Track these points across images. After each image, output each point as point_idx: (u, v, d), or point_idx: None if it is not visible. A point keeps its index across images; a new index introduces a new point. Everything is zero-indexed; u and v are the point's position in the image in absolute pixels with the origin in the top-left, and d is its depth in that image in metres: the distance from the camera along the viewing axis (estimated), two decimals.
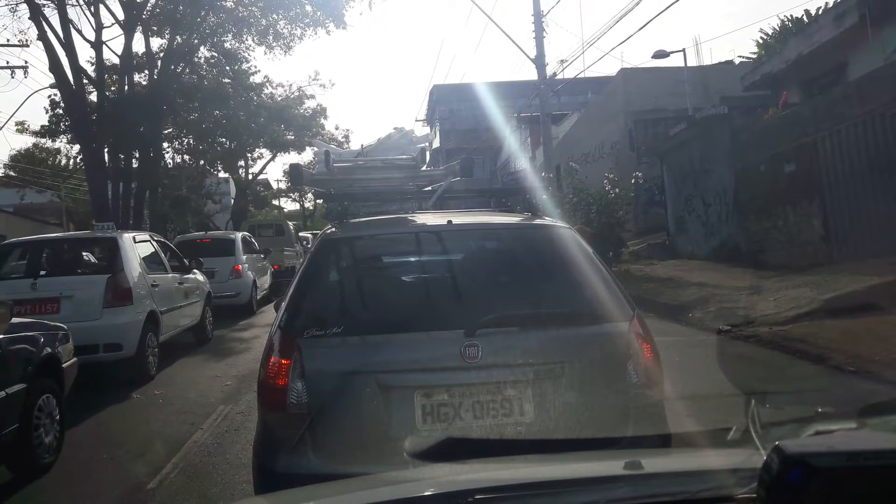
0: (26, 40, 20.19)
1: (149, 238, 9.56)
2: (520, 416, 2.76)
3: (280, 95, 29.06)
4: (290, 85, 33.62)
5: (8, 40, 22.66)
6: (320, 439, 2.71)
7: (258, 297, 14.96)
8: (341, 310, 3.11)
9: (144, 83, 21.04)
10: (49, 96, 20.37)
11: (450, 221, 3.38)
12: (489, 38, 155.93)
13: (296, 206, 56.07)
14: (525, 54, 19.07)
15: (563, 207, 15.51)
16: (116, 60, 19.82)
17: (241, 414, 6.13)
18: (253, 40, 20.57)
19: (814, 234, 11.64)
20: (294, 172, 5.69)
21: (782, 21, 21.37)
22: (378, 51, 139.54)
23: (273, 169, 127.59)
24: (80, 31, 18.58)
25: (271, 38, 20.05)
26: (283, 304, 3.12)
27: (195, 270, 10.38)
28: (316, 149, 6.84)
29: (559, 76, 20.05)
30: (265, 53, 20.81)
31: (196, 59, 21.01)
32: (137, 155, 19.29)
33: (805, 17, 19.07)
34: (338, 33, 44.68)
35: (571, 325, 3.00)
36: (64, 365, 5.50)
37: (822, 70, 14.65)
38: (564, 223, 3.67)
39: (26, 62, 36.09)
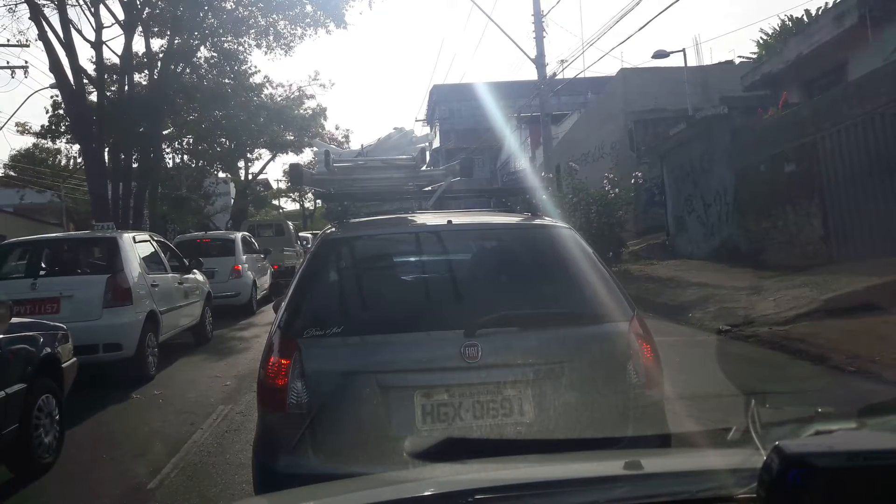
0: (26, 40, 20.23)
1: (149, 238, 9.56)
2: (520, 416, 2.76)
3: (280, 96, 29.11)
4: (290, 85, 33.63)
5: (8, 40, 22.67)
6: (320, 439, 2.71)
7: (258, 297, 14.97)
8: (341, 310, 3.11)
9: (144, 83, 21.04)
10: (52, 97, 20.44)
11: (450, 221, 3.38)
12: (489, 38, 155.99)
13: (296, 206, 56.16)
14: (525, 54, 19.11)
15: (563, 207, 15.51)
16: (116, 60, 19.83)
17: (241, 414, 6.13)
18: (253, 41, 20.59)
19: (814, 234, 11.64)
20: (294, 172, 5.70)
21: (782, 21, 21.36)
22: (378, 51, 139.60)
23: (273, 169, 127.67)
24: (80, 31, 18.62)
25: (272, 38, 20.06)
26: (283, 304, 3.12)
27: (195, 270, 10.38)
28: (316, 149, 6.84)
29: (559, 76, 20.09)
30: (265, 54, 20.82)
31: (196, 60, 21.01)
32: (137, 155, 19.29)
33: (805, 17, 19.05)
34: (338, 33, 44.72)
35: (571, 325, 3.00)
36: (64, 365, 5.50)
37: (822, 70, 14.65)
38: (564, 223, 3.67)
39: (26, 62, 36.07)
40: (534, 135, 28.09)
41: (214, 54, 21.63)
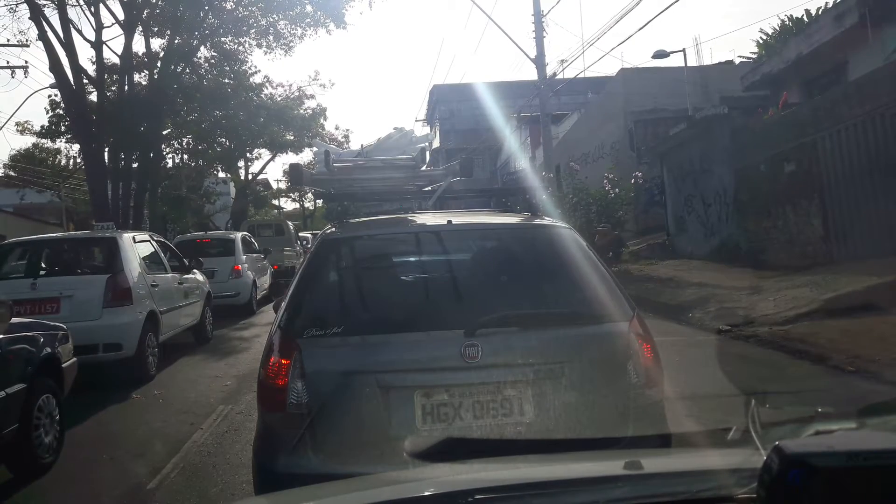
0: (26, 40, 20.26)
1: (149, 238, 9.55)
2: (520, 416, 2.76)
3: (280, 96, 29.11)
4: (290, 85, 33.67)
5: (8, 40, 22.70)
6: (320, 439, 2.71)
7: (258, 297, 14.96)
8: (341, 310, 3.11)
9: (144, 83, 21.06)
10: (49, 96, 20.44)
11: (450, 221, 3.38)
12: (489, 38, 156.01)
13: (296, 206, 56.20)
14: (525, 54, 19.09)
15: (563, 207, 15.55)
16: (116, 60, 19.85)
17: (241, 414, 6.13)
18: (253, 41, 20.59)
19: (814, 234, 11.64)
20: (294, 172, 5.69)
21: (782, 21, 21.31)
22: (378, 51, 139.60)
23: (273, 169, 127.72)
24: (80, 31, 18.64)
25: (272, 38, 20.08)
26: (283, 304, 3.12)
27: (195, 270, 10.38)
28: (316, 149, 6.84)
29: (559, 76, 20.07)
30: (265, 54, 20.86)
31: (196, 60, 21.03)
32: (137, 155, 19.29)
33: (805, 17, 19.04)
34: (338, 33, 44.72)
35: (571, 325, 3.00)
36: (64, 365, 5.50)
37: (822, 70, 14.65)
38: (564, 223, 3.67)
39: (26, 62, 36.10)
40: (534, 135, 28.09)
41: (214, 54, 21.66)
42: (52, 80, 17.89)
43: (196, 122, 25.45)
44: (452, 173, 4.85)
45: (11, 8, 18.79)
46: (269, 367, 2.87)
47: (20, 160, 38.57)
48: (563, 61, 31.50)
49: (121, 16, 18.62)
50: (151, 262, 8.94)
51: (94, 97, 19.05)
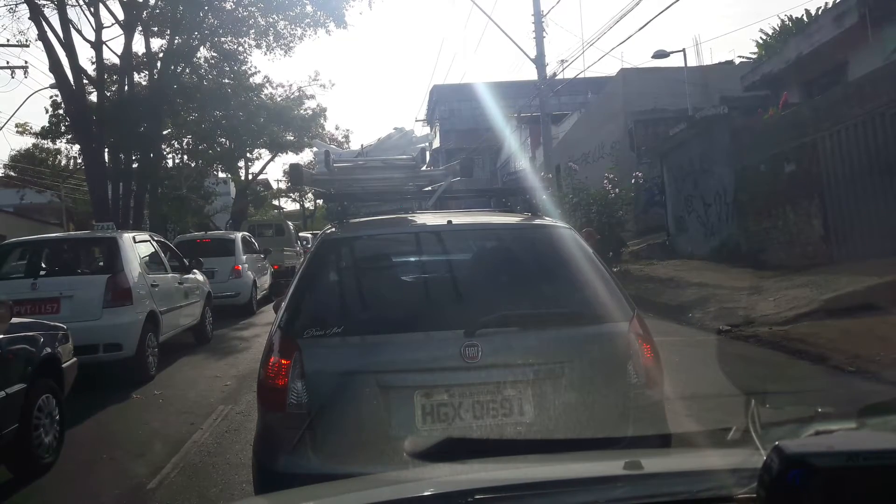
0: (26, 40, 20.24)
1: (149, 238, 9.55)
2: (520, 417, 2.76)
3: (280, 96, 29.05)
4: (290, 85, 33.59)
5: (8, 40, 22.69)
6: (320, 439, 2.71)
7: (258, 297, 14.97)
8: (341, 310, 3.10)
9: (144, 83, 21.04)
10: (51, 97, 20.45)
11: (450, 221, 3.38)
12: (489, 38, 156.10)
13: (296, 206, 56.21)
14: (525, 54, 19.09)
15: (563, 207, 15.52)
16: (116, 60, 19.84)
17: (241, 414, 6.13)
18: (253, 41, 20.59)
19: (814, 234, 11.64)
20: (294, 172, 5.70)
21: (782, 21, 21.32)
22: (378, 51, 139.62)
23: (273, 169, 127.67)
24: (80, 31, 18.65)
25: (271, 38, 20.07)
26: (283, 304, 3.12)
27: (195, 270, 10.38)
28: (316, 149, 6.85)
29: (559, 76, 20.06)
30: (265, 54, 20.84)
31: (196, 60, 21.01)
32: (137, 155, 19.29)
33: (805, 17, 19.04)
34: (338, 33, 44.75)
35: (571, 325, 3.00)
36: (64, 365, 5.51)
37: (822, 70, 14.65)
38: (564, 223, 3.67)
39: (26, 62, 36.16)
40: (534, 135, 28.07)
41: (214, 54, 21.63)
42: (52, 81, 17.91)
43: (196, 123, 25.42)
44: (452, 173, 4.85)
45: (11, 8, 18.82)
46: (269, 367, 2.87)
47: (20, 160, 38.55)
48: (563, 61, 31.41)
49: (121, 16, 18.63)
50: (151, 262, 8.94)
51: (94, 97, 19.05)
